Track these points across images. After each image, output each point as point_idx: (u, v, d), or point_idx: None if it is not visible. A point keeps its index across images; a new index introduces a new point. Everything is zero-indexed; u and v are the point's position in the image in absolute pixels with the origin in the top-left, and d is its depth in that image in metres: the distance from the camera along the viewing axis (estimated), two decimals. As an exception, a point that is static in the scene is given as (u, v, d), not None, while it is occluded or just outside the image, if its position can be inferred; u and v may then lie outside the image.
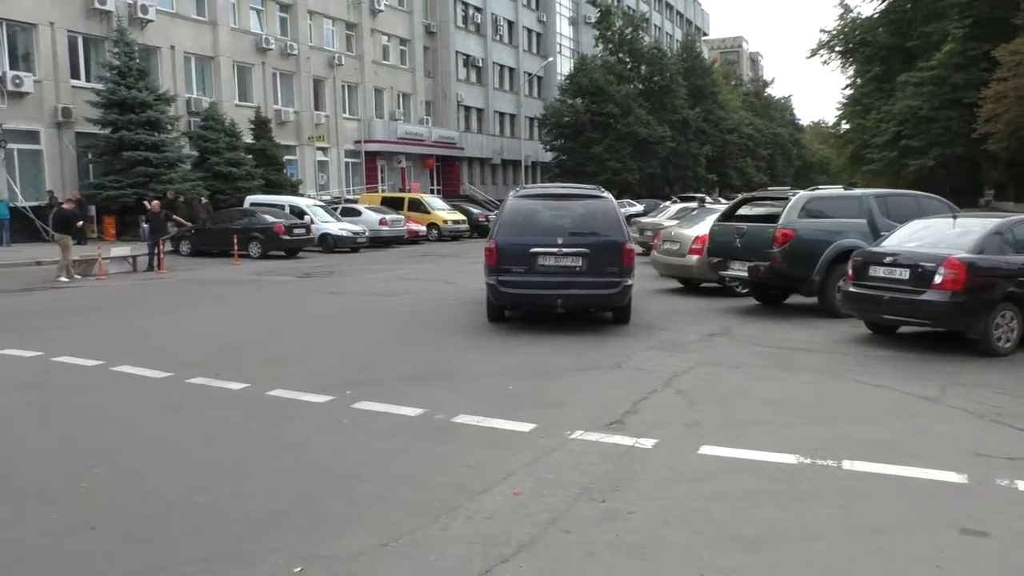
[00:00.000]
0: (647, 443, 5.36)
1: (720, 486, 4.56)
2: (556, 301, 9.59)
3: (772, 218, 11.57)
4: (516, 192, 10.25)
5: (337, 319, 11.19)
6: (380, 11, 40.61)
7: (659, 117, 51.87)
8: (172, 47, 29.62)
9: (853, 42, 35.43)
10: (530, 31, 57.81)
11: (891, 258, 8.56)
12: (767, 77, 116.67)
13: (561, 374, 7.59)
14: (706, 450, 5.21)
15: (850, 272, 9.09)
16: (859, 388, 6.97)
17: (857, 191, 11.29)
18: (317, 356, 8.45)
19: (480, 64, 51.17)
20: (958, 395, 6.65)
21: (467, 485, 4.55)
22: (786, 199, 11.76)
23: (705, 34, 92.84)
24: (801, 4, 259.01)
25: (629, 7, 63.15)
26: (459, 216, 32.90)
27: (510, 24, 54.89)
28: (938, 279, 8.04)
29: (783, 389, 6.97)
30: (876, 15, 36.26)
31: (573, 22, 63.30)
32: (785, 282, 10.93)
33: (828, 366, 7.88)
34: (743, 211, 12.03)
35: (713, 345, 8.99)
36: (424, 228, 30.61)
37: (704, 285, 13.78)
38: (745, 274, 10.91)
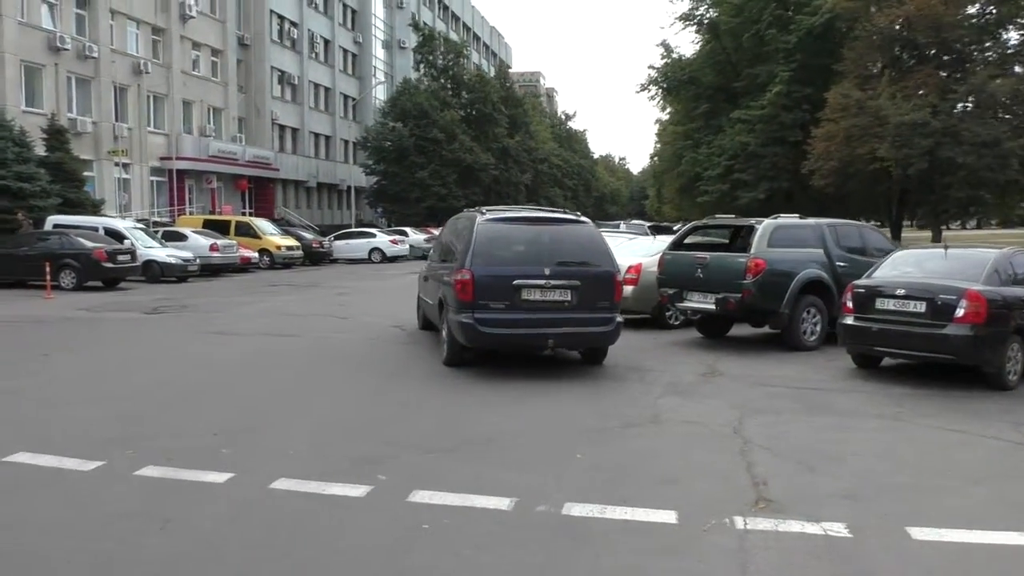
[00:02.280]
0: (838, 529, 4.28)
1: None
2: (548, 341, 8.28)
3: (727, 247, 11.07)
4: (484, 215, 8.76)
5: (257, 369, 9.04)
6: (191, 17, 36.76)
7: (481, 145, 51.76)
8: (-57, 37, 24.61)
9: (678, 80, 37.43)
10: (346, 51, 55.62)
11: (903, 290, 8.18)
12: (569, 111, 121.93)
13: (606, 434, 6.34)
14: (917, 534, 4.24)
15: (849, 305, 8.64)
16: (941, 435, 6.37)
17: (811, 220, 11.06)
18: (287, 423, 6.50)
19: (296, 82, 48.18)
20: (1048, 439, 6.26)
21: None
22: (734, 227, 11.33)
23: (509, 67, 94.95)
24: (593, 44, 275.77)
25: (442, 35, 62.84)
26: (292, 242, 30.39)
27: (326, 43, 52.42)
28: (960, 312, 7.73)
29: (870, 441, 6.19)
30: (698, 57, 38.55)
31: (387, 46, 61.96)
32: (754, 315, 10.38)
33: (866, 407, 7.28)
34: (691, 239, 11.42)
35: (723, 388, 8.12)
36: (256, 254, 27.81)
37: (626, 316, 13.03)
38: (711, 306, 10.21)
